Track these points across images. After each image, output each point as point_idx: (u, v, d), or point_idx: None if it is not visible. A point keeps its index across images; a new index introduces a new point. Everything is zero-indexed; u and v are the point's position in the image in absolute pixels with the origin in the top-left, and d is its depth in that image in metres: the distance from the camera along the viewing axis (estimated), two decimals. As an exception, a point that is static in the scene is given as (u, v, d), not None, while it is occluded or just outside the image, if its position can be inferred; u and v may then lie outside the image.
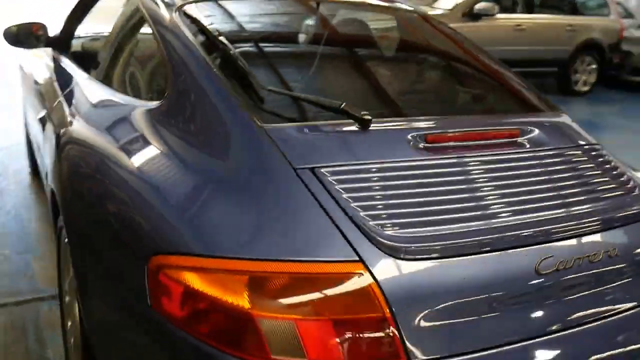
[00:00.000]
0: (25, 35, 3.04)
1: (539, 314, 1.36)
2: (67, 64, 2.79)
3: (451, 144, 1.62)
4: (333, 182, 1.38)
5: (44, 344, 2.38)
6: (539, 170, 1.64)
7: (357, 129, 1.57)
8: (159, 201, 1.43)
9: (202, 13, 2.06)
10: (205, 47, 1.79)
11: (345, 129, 1.57)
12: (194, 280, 1.25)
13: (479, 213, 1.42)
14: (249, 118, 1.53)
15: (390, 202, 1.38)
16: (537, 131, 1.80)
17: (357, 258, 1.24)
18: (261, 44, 2.19)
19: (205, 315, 1.24)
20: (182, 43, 1.81)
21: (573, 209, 1.53)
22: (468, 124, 1.74)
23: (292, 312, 1.20)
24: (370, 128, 1.57)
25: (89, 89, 2.21)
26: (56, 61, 3.02)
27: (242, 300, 1.20)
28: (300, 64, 2.14)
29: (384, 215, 1.34)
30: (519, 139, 1.73)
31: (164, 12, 1.99)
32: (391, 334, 1.20)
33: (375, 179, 1.43)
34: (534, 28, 8.97)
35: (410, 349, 1.21)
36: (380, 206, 1.36)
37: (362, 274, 1.22)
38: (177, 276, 1.27)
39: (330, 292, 1.22)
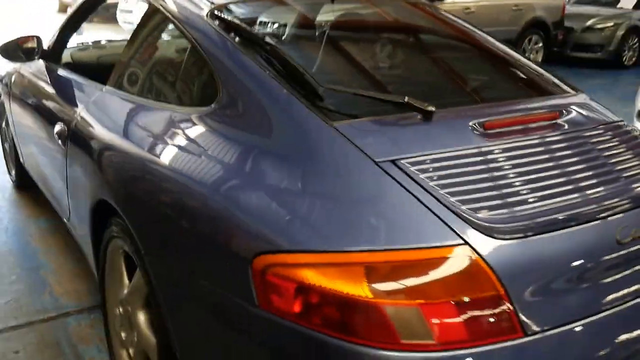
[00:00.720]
0: (20, 50, 3.01)
1: (628, 279, 1.46)
2: (71, 76, 2.77)
3: (506, 129, 1.71)
4: (417, 172, 1.45)
5: (82, 358, 2.37)
6: (587, 148, 1.75)
7: (420, 120, 1.64)
8: (251, 203, 1.47)
9: (235, 15, 2.10)
10: (251, 49, 1.84)
11: (409, 120, 1.64)
12: (309, 276, 1.30)
13: (552, 191, 1.52)
14: (318, 117, 1.59)
15: (473, 187, 1.46)
16: (571, 112, 1.91)
17: (462, 241, 1.32)
18: (302, 42, 2.23)
19: (324, 308, 1.29)
20: (225, 47, 1.86)
21: (629, 180, 1.65)
22: (513, 110, 1.83)
23: (415, 297, 1.26)
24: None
25: (118, 101, 2.21)
26: (54, 73, 2.98)
27: (364, 291, 1.26)
28: (339, 58, 2.20)
29: (472, 200, 1.42)
30: (559, 121, 1.84)
31: (196, 17, 2.02)
32: (507, 310, 1.29)
33: (452, 166, 1.51)
34: (482, 10, 9.24)
35: (525, 322, 1.30)
36: (465, 191, 1.44)
37: (471, 256, 1.30)
38: (288, 274, 1.32)
39: (445, 275, 1.29)
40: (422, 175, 1.45)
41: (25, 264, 3.13)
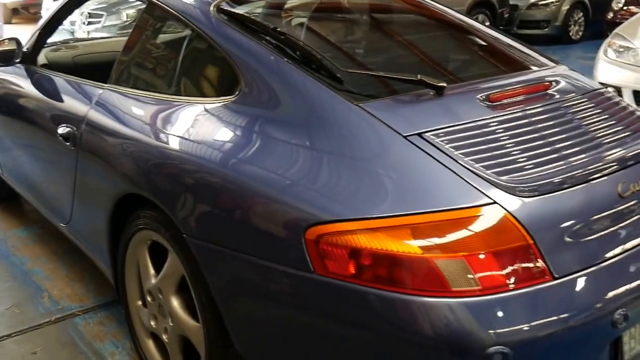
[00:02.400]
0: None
1: (632, 228, 1.76)
2: (62, 76, 2.92)
3: (508, 100, 1.99)
4: (442, 142, 1.72)
5: (101, 354, 2.55)
6: (581, 114, 2.04)
7: (432, 95, 1.91)
8: (298, 179, 1.70)
9: (239, 8, 2.33)
10: (265, 39, 2.08)
11: (423, 97, 1.91)
12: (361, 240, 1.55)
13: (560, 154, 1.81)
14: (344, 98, 1.83)
15: (493, 153, 1.73)
16: (560, 82, 2.21)
17: (491, 201, 1.59)
18: (309, 28, 2.47)
19: (377, 267, 1.54)
20: (241, 39, 2.08)
21: (621, 141, 1.95)
22: (510, 83, 2.12)
23: (459, 251, 1.53)
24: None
25: (135, 98, 2.39)
26: (37, 76, 3.13)
27: (413, 248, 1.52)
28: (348, 42, 2.45)
29: (494, 165, 1.69)
30: (551, 90, 2.13)
31: (204, 13, 2.24)
32: (536, 257, 1.56)
33: (471, 136, 1.78)
34: (428, -9, 9.60)
35: (552, 267, 1.57)
36: (486, 158, 1.71)
37: (501, 213, 1.57)
38: (341, 240, 1.57)
39: (481, 230, 1.56)
40: (447, 146, 1.71)
41: (15, 273, 3.27)
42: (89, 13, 9.96)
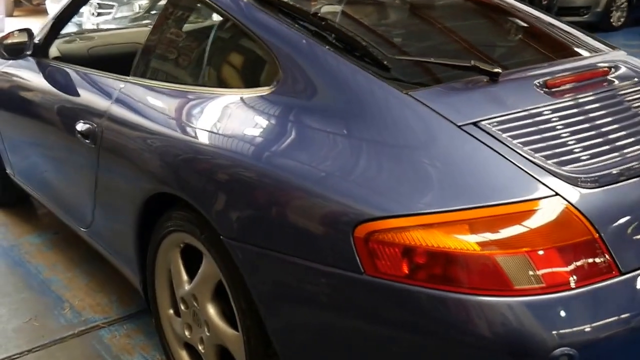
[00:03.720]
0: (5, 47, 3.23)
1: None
2: (76, 69, 2.99)
3: (566, 86, 2.02)
4: (499, 132, 1.74)
5: (129, 368, 2.62)
6: None
7: (487, 82, 1.94)
8: (345, 174, 1.72)
9: None
10: (305, 27, 2.11)
11: (477, 84, 1.94)
12: (415, 237, 1.57)
13: (618, 144, 1.82)
14: (392, 87, 1.87)
15: (552, 142, 1.75)
16: (619, 67, 2.23)
17: (553, 193, 1.62)
18: (348, 14, 2.52)
19: (433, 266, 1.56)
20: (279, 28, 2.11)
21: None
22: (567, 69, 2.14)
23: (520, 246, 1.56)
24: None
25: (162, 91, 2.42)
26: (50, 69, 3.20)
27: (472, 245, 1.55)
28: (391, 27, 2.50)
29: (554, 154, 1.71)
30: (609, 77, 2.16)
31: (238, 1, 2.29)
32: (603, 252, 1.58)
33: (529, 124, 1.79)
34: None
35: (619, 262, 1.60)
36: (546, 147, 1.73)
37: (564, 205, 1.60)
38: (393, 238, 1.59)
39: (543, 224, 1.58)
40: (504, 135, 1.74)
41: (31, 282, 3.31)
42: (98, 4, 10.04)
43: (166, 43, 2.60)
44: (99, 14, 10.14)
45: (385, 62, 1.95)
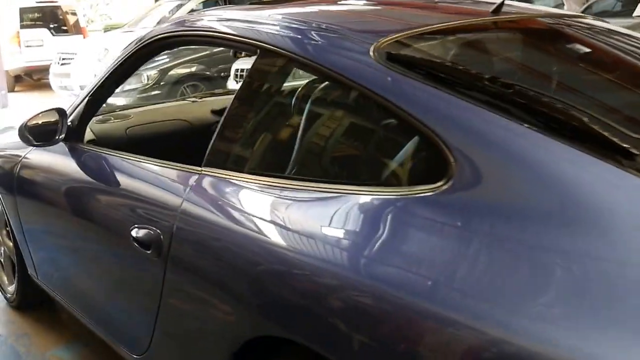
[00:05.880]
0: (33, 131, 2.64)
1: None
2: (120, 156, 2.40)
3: None
4: None
5: None
6: None
7: None
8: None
9: (414, 48, 1.83)
10: (469, 93, 1.56)
11: None
12: None
13: None
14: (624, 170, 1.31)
15: None
16: None
17: None
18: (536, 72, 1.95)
19: None
20: (437, 97, 1.55)
21: None
22: None
23: None
24: None
25: (251, 190, 1.84)
26: (88, 157, 2.62)
27: None
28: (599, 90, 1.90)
29: None
30: None
31: (360, 61, 1.71)
32: None
33: None
34: None
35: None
36: None
37: None
38: None
39: None
40: None
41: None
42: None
43: (264, 124, 2.06)
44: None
45: (626, 146, 1.35)
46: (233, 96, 2.05)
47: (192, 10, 10.78)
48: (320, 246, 1.55)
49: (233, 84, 7.36)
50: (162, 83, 8.98)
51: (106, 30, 14.50)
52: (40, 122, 2.66)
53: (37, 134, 2.66)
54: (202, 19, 2.37)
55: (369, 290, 1.40)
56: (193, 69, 8.91)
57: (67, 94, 10.87)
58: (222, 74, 8.50)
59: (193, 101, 3.83)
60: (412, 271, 1.36)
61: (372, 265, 1.43)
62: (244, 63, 7.23)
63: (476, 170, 1.44)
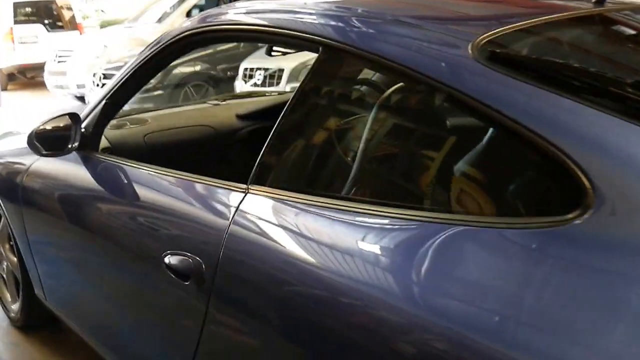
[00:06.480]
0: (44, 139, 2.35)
1: None
2: (148, 169, 2.11)
3: None
4: None
5: None
6: None
7: None
8: None
9: (519, 50, 1.57)
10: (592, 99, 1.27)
11: None
12: None
13: None
14: None
15: None
16: None
17: None
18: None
19: None
20: (567, 108, 1.26)
21: None
22: None
23: None
24: None
25: (323, 217, 1.54)
26: (101, 167, 2.32)
27: None
28: None
29: None
30: None
31: (461, 66, 1.41)
32: None
33: None
34: None
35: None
36: None
37: None
38: None
39: None
40: None
41: None
42: (103, 74, 9.07)
43: (330, 136, 1.75)
44: (105, 85, 9.21)
45: None
46: (287, 102, 1.75)
47: (195, 6, 10.44)
48: (412, 291, 1.28)
49: (241, 84, 7.03)
50: (164, 83, 8.59)
51: (103, 26, 14.13)
52: (50, 127, 2.37)
53: (47, 142, 2.36)
54: (240, 12, 2.08)
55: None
56: (197, 68, 8.49)
57: (63, 92, 10.47)
58: (229, 73, 8.09)
59: (215, 104, 3.51)
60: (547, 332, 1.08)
61: (493, 322, 1.14)
62: (253, 62, 6.93)
63: (620, 198, 1.15)
